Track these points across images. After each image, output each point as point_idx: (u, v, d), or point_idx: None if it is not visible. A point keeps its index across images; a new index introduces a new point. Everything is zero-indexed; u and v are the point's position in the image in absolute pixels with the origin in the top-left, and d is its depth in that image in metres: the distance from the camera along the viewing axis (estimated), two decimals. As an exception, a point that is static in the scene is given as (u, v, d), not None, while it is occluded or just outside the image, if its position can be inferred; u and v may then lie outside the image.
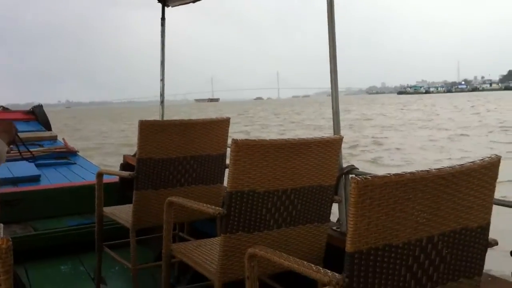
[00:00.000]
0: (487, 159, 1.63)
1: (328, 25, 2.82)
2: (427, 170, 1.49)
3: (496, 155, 1.68)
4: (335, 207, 2.66)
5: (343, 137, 2.45)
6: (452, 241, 1.60)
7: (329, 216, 2.45)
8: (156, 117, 4.70)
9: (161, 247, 2.63)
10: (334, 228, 2.71)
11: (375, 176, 1.41)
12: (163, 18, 4.66)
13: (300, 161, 2.27)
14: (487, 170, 1.63)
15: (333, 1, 2.80)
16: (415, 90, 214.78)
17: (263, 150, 2.17)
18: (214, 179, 3.22)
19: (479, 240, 1.68)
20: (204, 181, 3.19)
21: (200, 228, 3.70)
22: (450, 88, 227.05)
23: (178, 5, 4.52)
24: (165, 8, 4.62)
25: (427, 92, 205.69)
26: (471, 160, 1.62)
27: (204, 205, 2.44)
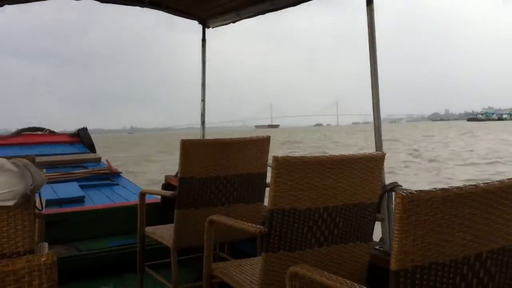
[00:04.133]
0: None
1: (369, 45, 2.82)
2: (475, 185, 1.44)
3: None
4: (378, 226, 2.61)
5: (385, 154, 2.41)
6: (501, 258, 1.54)
7: (372, 235, 2.40)
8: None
9: (202, 267, 2.63)
10: (377, 247, 2.65)
11: (421, 191, 1.37)
12: (203, 39, 4.73)
13: (342, 178, 2.23)
14: None
15: (374, 24, 2.81)
16: (487, 117, 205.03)
17: (305, 167, 2.15)
18: (255, 197, 3.21)
19: None
20: (244, 199, 3.19)
21: (240, 247, 3.68)
22: None
23: (218, 26, 4.58)
24: (206, 29, 4.69)
25: (499, 119, 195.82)
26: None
27: (245, 223, 2.43)
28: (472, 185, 1.43)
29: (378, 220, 2.54)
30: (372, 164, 2.30)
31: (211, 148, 3.06)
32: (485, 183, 1.46)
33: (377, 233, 2.68)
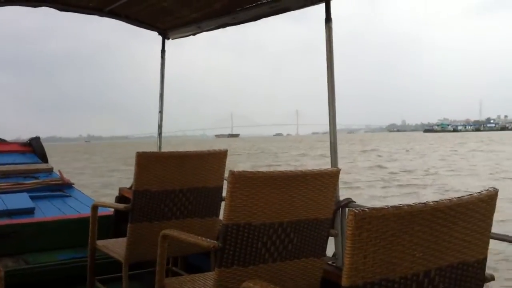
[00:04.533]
0: (485, 192, 1.62)
1: (327, 61, 2.87)
2: (425, 203, 1.47)
3: (494, 188, 1.66)
4: (332, 241, 2.63)
5: (340, 170, 2.44)
6: (449, 275, 1.57)
7: (325, 250, 2.42)
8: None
9: (154, 282, 2.58)
10: (330, 262, 2.67)
11: (373, 209, 1.39)
12: (163, 51, 4.69)
13: (297, 194, 2.25)
14: (485, 203, 1.61)
15: (332, 40, 2.86)
16: (443, 128, 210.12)
17: (261, 182, 2.15)
18: (210, 211, 3.19)
19: (476, 275, 1.66)
20: (200, 213, 3.16)
21: (194, 262, 3.64)
22: (479, 126, 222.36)
23: (179, 37, 4.56)
24: (166, 40, 4.66)
25: (455, 130, 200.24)
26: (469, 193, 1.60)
27: (199, 238, 2.41)
28: (422, 203, 1.46)
29: (332, 236, 2.57)
30: (327, 180, 2.32)
31: (167, 161, 3.02)
32: (435, 201, 1.49)
33: (332, 248, 2.71)
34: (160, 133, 4.74)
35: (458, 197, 1.55)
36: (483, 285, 1.72)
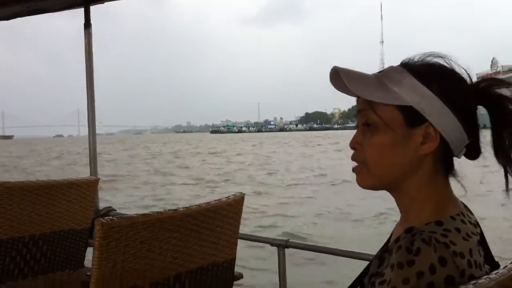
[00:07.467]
0: (232, 196, 1.73)
1: (86, 68, 2.77)
2: (175, 209, 1.51)
3: (241, 193, 1.79)
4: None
5: (99, 179, 2.38)
6: (199, 278, 1.64)
7: (83, 262, 2.33)
8: None
9: None
10: (89, 273, 2.58)
11: (122, 217, 1.38)
12: None
13: (51, 204, 2.13)
14: (232, 207, 1.73)
15: (91, 42, 2.77)
16: (228, 129, 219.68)
17: (7, 193, 1.98)
18: None
19: (226, 275, 1.76)
20: None
21: None
22: (260, 128, 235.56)
23: None
24: None
25: (239, 131, 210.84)
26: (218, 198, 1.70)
27: None
28: (172, 209, 1.50)
29: (91, 246, 2.48)
30: (84, 189, 2.25)
31: None
32: (185, 207, 1.54)
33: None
34: None
35: (207, 202, 1.62)
36: (232, 284, 1.84)
